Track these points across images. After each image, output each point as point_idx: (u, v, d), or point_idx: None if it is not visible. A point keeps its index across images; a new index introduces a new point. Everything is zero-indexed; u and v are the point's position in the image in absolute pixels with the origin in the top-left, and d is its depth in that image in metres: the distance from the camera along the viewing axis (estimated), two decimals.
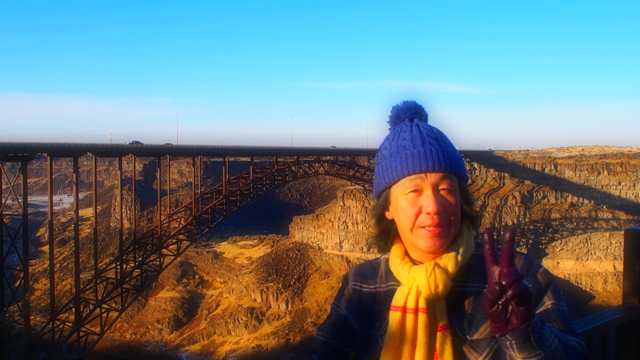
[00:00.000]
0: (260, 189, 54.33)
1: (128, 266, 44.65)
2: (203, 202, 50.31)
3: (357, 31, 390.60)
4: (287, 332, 65.19)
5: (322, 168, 62.27)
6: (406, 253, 1.97)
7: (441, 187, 1.84)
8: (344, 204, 77.62)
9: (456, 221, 1.85)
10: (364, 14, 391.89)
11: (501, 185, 77.55)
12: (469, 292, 1.87)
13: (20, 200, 35.52)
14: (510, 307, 1.45)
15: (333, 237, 76.60)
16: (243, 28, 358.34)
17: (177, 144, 58.68)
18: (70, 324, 39.88)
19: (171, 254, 47.44)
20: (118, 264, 43.89)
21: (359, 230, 75.18)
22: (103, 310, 41.98)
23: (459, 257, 1.86)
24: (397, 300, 1.88)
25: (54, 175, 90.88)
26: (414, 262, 1.94)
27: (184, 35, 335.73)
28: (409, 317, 1.82)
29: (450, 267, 1.84)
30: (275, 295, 71.19)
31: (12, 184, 36.27)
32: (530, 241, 72.29)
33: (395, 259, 1.97)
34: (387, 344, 1.85)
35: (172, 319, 71.08)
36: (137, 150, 47.20)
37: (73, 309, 39.93)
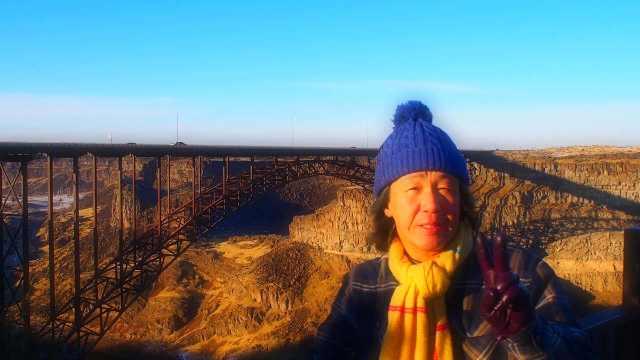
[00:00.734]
0: (260, 189, 54.32)
1: (128, 266, 44.64)
2: (203, 202, 50.30)
3: (357, 31, 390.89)
4: (287, 332, 65.20)
5: (322, 168, 62.25)
6: (405, 252, 1.98)
7: (441, 186, 1.84)
8: (344, 204, 77.62)
9: (454, 221, 1.85)
10: (364, 14, 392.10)
11: (501, 185, 77.55)
12: (468, 289, 1.87)
13: (20, 200, 35.52)
14: (508, 311, 1.44)
15: (333, 237, 76.60)
16: (243, 28, 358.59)
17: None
18: (70, 324, 39.88)
19: (171, 254, 47.44)
20: (118, 264, 43.89)
21: (359, 230, 75.17)
22: (103, 310, 41.97)
23: (457, 255, 1.86)
24: (396, 300, 1.88)
25: (54, 175, 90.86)
26: (412, 262, 1.94)
27: (184, 35, 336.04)
28: (408, 317, 1.82)
29: (448, 265, 1.84)
30: (275, 295, 71.19)
31: (12, 184, 36.27)
32: (530, 241, 72.27)
33: (393, 259, 1.98)
34: (386, 344, 1.85)
35: (172, 319, 71.08)
36: (137, 150, 47.19)
37: (73, 309, 39.93)
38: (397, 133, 1.98)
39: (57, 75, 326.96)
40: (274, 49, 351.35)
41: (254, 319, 68.65)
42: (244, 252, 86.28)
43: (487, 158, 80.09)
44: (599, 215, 72.05)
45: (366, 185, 69.66)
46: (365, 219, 74.65)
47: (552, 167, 76.10)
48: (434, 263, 1.84)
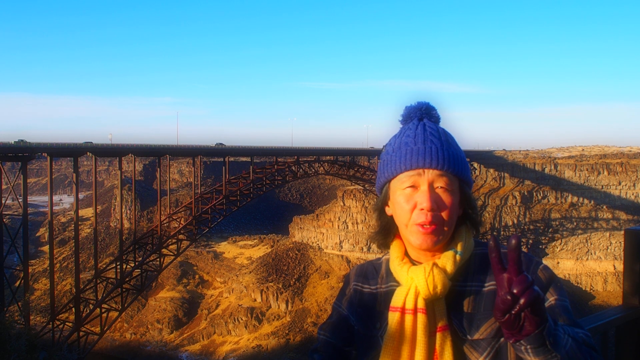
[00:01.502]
0: (260, 189, 54.32)
1: (128, 266, 44.65)
2: (203, 202, 50.31)
3: (357, 31, 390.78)
4: (287, 332, 65.21)
5: (322, 168, 62.25)
6: (406, 253, 1.98)
7: (438, 184, 1.84)
8: (344, 204, 77.63)
9: (451, 220, 1.85)
10: (364, 14, 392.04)
11: (501, 185, 77.55)
12: (469, 291, 1.86)
13: (20, 200, 35.54)
14: (523, 314, 1.44)
15: (333, 237, 76.60)
16: (243, 28, 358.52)
17: (177, 144, 58.68)
18: (70, 324, 39.89)
19: (171, 254, 47.44)
20: (118, 264, 43.89)
21: (359, 230, 75.18)
22: (103, 310, 41.97)
23: (458, 257, 1.86)
24: (396, 300, 1.87)
25: (54, 175, 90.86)
26: (413, 262, 1.94)
27: (184, 35, 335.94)
28: (408, 318, 1.82)
29: (449, 267, 1.84)
30: (275, 295, 71.20)
31: (12, 184, 36.29)
32: (530, 241, 72.29)
33: (394, 259, 1.98)
34: (386, 344, 1.84)
35: (172, 319, 71.09)
36: (137, 150, 47.19)
37: (73, 309, 39.94)
38: (400, 133, 2.00)
39: (57, 75, 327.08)
40: (274, 49, 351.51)
41: (254, 319, 68.66)
42: (244, 252, 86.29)
43: (487, 158, 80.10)
44: (599, 215, 72.06)
45: (366, 185, 69.64)
46: (365, 219, 74.66)
47: (552, 167, 76.11)
48: (434, 264, 1.84)
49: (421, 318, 1.79)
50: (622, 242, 6.28)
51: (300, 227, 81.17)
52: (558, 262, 70.20)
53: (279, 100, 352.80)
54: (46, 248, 69.84)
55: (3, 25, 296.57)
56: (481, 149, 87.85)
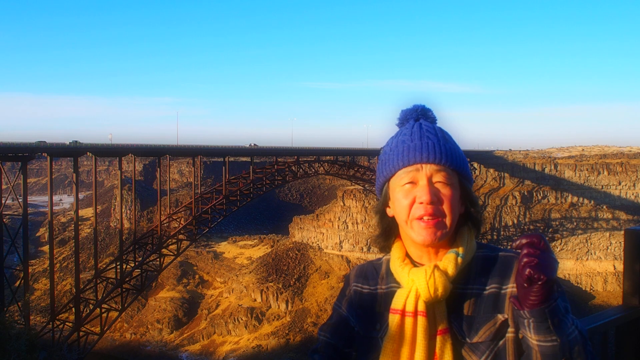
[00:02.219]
0: (260, 189, 54.31)
1: (128, 266, 44.65)
2: (203, 202, 50.31)
3: (357, 31, 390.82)
4: (287, 332, 65.20)
5: (322, 168, 62.25)
6: (407, 254, 1.97)
7: (437, 179, 1.84)
8: (344, 204, 77.61)
9: (452, 213, 1.84)
10: (365, 14, 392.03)
11: (501, 185, 77.53)
12: (469, 294, 1.85)
13: (20, 200, 35.52)
14: (535, 287, 1.52)
15: (333, 237, 76.59)
16: (243, 28, 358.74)
17: (177, 144, 58.70)
18: (70, 324, 39.88)
19: (171, 254, 47.44)
20: (118, 264, 43.89)
21: (359, 230, 75.17)
22: (103, 310, 41.97)
23: (459, 259, 1.85)
24: (396, 303, 1.86)
25: (54, 175, 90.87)
26: (414, 264, 1.93)
27: (184, 35, 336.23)
28: (408, 321, 1.81)
29: (450, 269, 1.82)
30: (275, 295, 71.19)
31: (12, 184, 36.30)
32: None
33: (395, 260, 1.97)
34: (386, 347, 1.84)
35: (172, 319, 71.07)
36: (137, 150, 47.20)
37: (73, 309, 39.94)
38: (397, 133, 2.01)
39: (57, 75, 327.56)
40: (274, 49, 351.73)
41: (254, 319, 68.65)
42: (244, 252, 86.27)
43: (487, 158, 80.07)
44: (599, 215, 72.05)
45: (366, 185, 69.65)
46: (365, 219, 74.65)
47: (552, 167, 76.09)
48: (436, 267, 1.83)
49: (421, 321, 1.79)
50: (622, 242, 6.28)
51: (300, 227, 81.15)
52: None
53: (279, 100, 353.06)
54: (46, 248, 69.82)
55: (3, 25, 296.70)
56: (481, 149, 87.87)
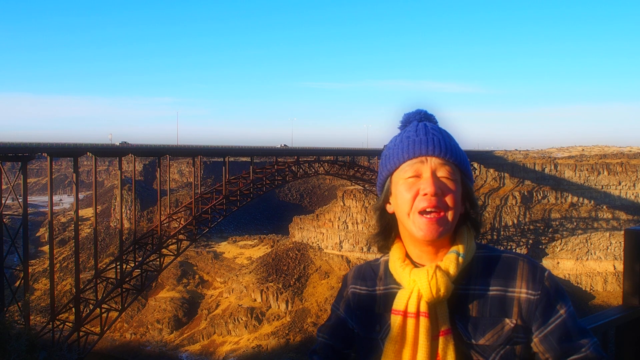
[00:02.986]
0: (260, 189, 54.30)
1: (128, 266, 44.63)
2: (203, 202, 50.29)
3: (357, 31, 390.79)
4: (287, 332, 65.19)
5: (322, 168, 62.25)
6: (407, 255, 1.95)
7: (441, 173, 1.84)
8: (344, 204, 77.61)
9: (455, 208, 1.83)
10: (365, 14, 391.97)
11: (501, 185, 77.52)
12: (472, 294, 1.85)
13: (20, 200, 35.51)
14: None
15: (333, 237, 76.58)
16: (243, 28, 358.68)
17: (177, 144, 58.67)
18: (70, 324, 39.87)
19: (171, 254, 47.42)
20: (118, 264, 43.87)
21: (359, 230, 75.16)
22: (103, 310, 41.95)
23: (460, 259, 1.84)
24: (398, 304, 1.85)
25: (54, 175, 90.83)
26: (414, 264, 1.92)
27: (184, 35, 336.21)
28: (410, 322, 1.80)
29: (452, 269, 1.82)
30: (275, 295, 71.19)
31: (12, 184, 36.28)
32: (530, 241, 72.29)
33: (395, 261, 1.95)
34: (388, 348, 1.82)
35: (172, 319, 71.07)
36: (137, 150, 47.18)
37: (73, 309, 39.93)
38: (401, 132, 2.01)
39: (57, 75, 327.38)
40: (274, 49, 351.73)
41: (254, 319, 68.65)
42: (244, 252, 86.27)
43: (487, 158, 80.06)
44: (599, 215, 72.04)
45: (366, 185, 69.63)
46: (365, 219, 74.65)
47: (552, 167, 76.08)
48: (437, 267, 1.82)
49: (423, 322, 1.78)
50: (622, 242, 6.27)
51: (300, 227, 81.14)
52: (558, 262, 70.19)
53: (279, 100, 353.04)
54: (46, 248, 69.82)
55: (3, 25, 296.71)
56: (481, 149, 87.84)
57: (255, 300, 71.89)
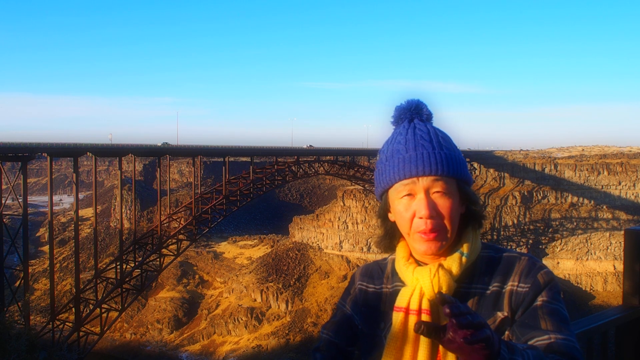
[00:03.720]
0: (260, 189, 54.31)
1: (128, 266, 44.63)
2: (203, 202, 50.30)
3: (357, 31, 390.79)
4: (287, 332, 65.18)
5: (322, 168, 62.25)
6: (411, 253, 1.98)
7: (434, 190, 1.82)
8: (344, 204, 77.60)
9: (452, 224, 1.84)
10: (365, 14, 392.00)
11: (501, 185, 77.52)
12: (473, 293, 1.87)
13: (20, 200, 35.53)
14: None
15: (333, 237, 76.58)
16: (243, 28, 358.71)
17: (177, 144, 58.70)
18: (70, 324, 39.87)
19: (171, 254, 47.42)
20: (118, 264, 43.88)
21: (359, 230, 75.16)
22: (103, 310, 41.96)
23: (464, 259, 1.86)
24: (400, 301, 1.87)
25: (54, 175, 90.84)
26: (418, 263, 1.93)
27: (184, 35, 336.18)
28: (412, 319, 1.82)
29: (455, 268, 1.84)
30: (275, 295, 71.18)
31: (12, 184, 36.29)
32: (530, 241, 72.29)
33: (400, 260, 1.98)
34: (389, 344, 1.84)
35: (172, 319, 71.07)
36: (137, 150, 47.19)
37: (73, 309, 39.93)
38: (392, 138, 1.97)
39: (57, 75, 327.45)
40: (274, 49, 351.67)
41: (254, 319, 68.64)
42: (244, 252, 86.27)
43: (487, 158, 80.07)
44: (599, 215, 72.04)
45: (366, 185, 69.63)
46: (365, 219, 74.66)
47: (552, 167, 76.08)
48: (440, 265, 1.84)
49: (425, 319, 1.79)
50: (622, 242, 6.28)
51: (300, 227, 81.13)
52: (558, 262, 70.19)
53: (279, 100, 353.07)
54: (46, 248, 69.82)
55: (3, 25, 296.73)
56: (481, 149, 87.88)
57: (255, 300, 71.89)
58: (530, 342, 1.71)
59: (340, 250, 75.57)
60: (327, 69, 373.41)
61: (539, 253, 70.11)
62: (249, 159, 56.02)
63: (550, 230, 72.36)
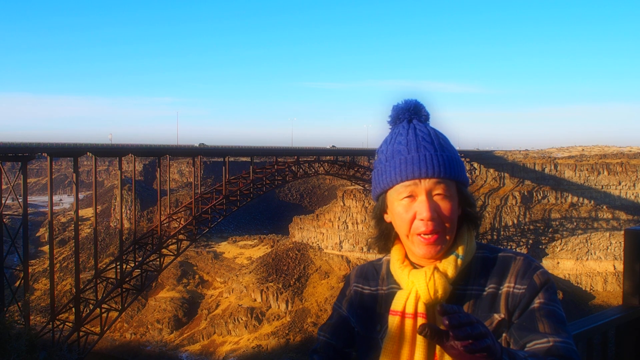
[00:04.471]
0: (260, 189, 54.30)
1: (128, 266, 44.63)
2: (203, 202, 50.29)
3: (357, 31, 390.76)
4: (287, 332, 65.19)
5: (322, 168, 62.24)
6: (406, 256, 1.96)
7: (436, 192, 1.81)
8: (344, 204, 77.60)
9: (452, 227, 1.83)
10: (365, 14, 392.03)
11: (501, 185, 77.52)
12: (469, 295, 1.86)
13: (20, 200, 35.51)
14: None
15: (333, 237, 76.58)
16: (243, 28, 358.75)
17: (177, 144, 58.69)
18: (70, 324, 39.86)
19: (171, 254, 47.42)
20: (118, 264, 43.87)
21: (359, 230, 75.15)
22: (103, 310, 41.95)
23: (459, 261, 1.85)
24: (396, 304, 1.86)
25: (54, 175, 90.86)
26: (414, 265, 1.92)
27: (184, 35, 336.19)
28: (408, 322, 1.80)
29: (450, 271, 1.82)
30: (275, 295, 71.18)
31: (12, 184, 36.27)
32: (530, 241, 72.27)
33: (395, 262, 1.96)
34: (386, 348, 1.83)
35: (172, 319, 71.06)
36: (137, 150, 47.18)
37: (73, 309, 39.92)
38: (391, 137, 1.94)
39: (57, 75, 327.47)
40: (274, 49, 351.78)
41: (254, 319, 68.64)
42: (244, 252, 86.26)
43: (487, 158, 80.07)
44: (599, 215, 72.04)
45: (366, 185, 69.64)
46: (365, 219, 74.64)
47: (552, 167, 76.08)
48: (435, 268, 1.83)
49: (421, 323, 1.77)
50: (622, 242, 6.27)
51: (300, 227, 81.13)
52: (558, 262, 70.19)
53: (279, 100, 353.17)
54: (46, 248, 69.81)
55: (3, 25, 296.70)
56: (481, 149, 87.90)
57: (255, 300, 71.89)
58: (528, 345, 1.71)
59: (340, 250, 75.58)
60: (327, 69, 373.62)
61: (539, 253, 70.11)
62: (249, 159, 56.01)
63: (550, 230, 72.35)
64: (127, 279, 43.53)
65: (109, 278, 43.84)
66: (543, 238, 72.47)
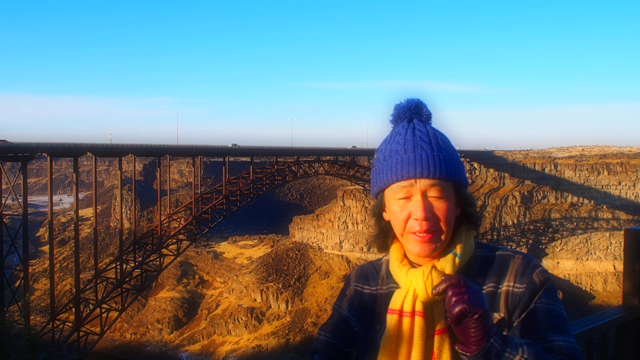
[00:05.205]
0: (260, 189, 54.30)
1: (128, 266, 44.63)
2: (203, 202, 50.29)
3: (357, 31, 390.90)
4: (287, 332, 65.18)
5: (322, 168, 62.23)
6: (405, 255, 1.97)
7: (431, 193, 1.82)
8: (344, 204, 77.59)
9: (447, 227, 1.83)
10: (365, 14, 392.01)
11: (501, 185, 77.51)
12: None
13: (20, 200, 35.54)
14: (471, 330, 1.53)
15: (333, 237, 76.56)
16: (243, 28, 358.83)
17: (177, 144, 58.66)
18: (70, 324, 39.87)
19: (171, 254, 47.42)
20: (118, 264, 43.87)
21: (359, 230, 75.14)
22: (103, 310, 41.96)
23: (457, 260, 1.85)
24: (394, 303, 1.86)
25: (54, 175, 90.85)
26: (412, 264, 1.93)
27: (184, 35, 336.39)
28: (406, 321, 1.81)
29: (448, 269, 1.83)
30: (275, 295, 71.16)
31: (12, 184, 36.28)
32: (530, 241, 72.26)
33: (394, 261, 1.97)
34: (384, 347, 1.84)
35: (172, 319, 71.05)
36: (137, 150, 47.17)
37: (73, 309, 39.93)
38: (390, 137, 1.95)
39: (57, 75, 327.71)
40: (274, 49, 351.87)
41: (254, 319, 68.62)
42: (244, 252, 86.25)
43: (487, 158, 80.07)
44: (599, 215, 72.03)
45: (366, 185, 69.63)
46: (365, 219, 74.63)
47: (552, 167, 76.08)
48: (433, 267, 1.83)
49: (419, 321, 1.78)
50: (622, 242, 6.28)
51: (300, 227, 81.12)
52: (558, 262, 70.17)
53: (279, 100, 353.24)
54: (46, 248, 69.81)
55: (3, 25, 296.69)
56: (481, 149, 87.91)
57: (255, 300, 71.87)
58: None
59: (340, 250, 75.56)
60: (327, 69, 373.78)
61: (539, 253, 70.10)
62: (249, 159, 56.01)
63: (550, 230, 72.34)
64: (127, 279, 43.54)
65: (109, 278, 43.83)
66: (543, 238, 72.46)
